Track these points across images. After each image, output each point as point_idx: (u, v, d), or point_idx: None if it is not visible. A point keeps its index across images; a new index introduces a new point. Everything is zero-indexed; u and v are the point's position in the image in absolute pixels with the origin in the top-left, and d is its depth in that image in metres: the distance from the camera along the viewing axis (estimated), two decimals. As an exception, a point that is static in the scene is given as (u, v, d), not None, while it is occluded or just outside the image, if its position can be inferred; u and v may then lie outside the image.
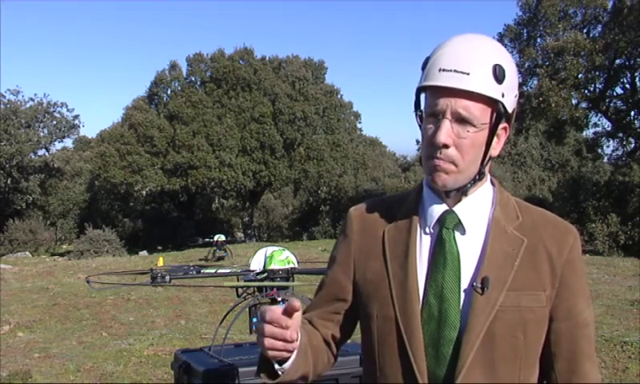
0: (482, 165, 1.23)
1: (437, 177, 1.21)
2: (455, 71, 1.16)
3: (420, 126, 1.25)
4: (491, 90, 1.17)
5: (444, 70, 1.17)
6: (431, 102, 1.20)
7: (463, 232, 1.25)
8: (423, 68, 1.23)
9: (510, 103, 1.21)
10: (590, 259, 14.73)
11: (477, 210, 1.26)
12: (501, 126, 1.23)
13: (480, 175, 1.24)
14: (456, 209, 1.26)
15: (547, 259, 1.23)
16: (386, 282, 1.26)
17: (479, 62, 1.17)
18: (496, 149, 1.25)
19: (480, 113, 1.18)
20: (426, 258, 1.26)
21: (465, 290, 1.21)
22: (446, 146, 1.18)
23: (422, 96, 1.25)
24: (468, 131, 1.18)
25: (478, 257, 1.23)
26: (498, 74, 1.17)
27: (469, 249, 1.24)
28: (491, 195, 1.29)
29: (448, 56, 1.18)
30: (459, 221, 1.25)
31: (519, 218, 1.26)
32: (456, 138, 1.18)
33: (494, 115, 1.20)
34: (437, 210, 1.27)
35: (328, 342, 1.38)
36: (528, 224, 1.26)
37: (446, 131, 1.17)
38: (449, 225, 1.25)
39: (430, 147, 1.20)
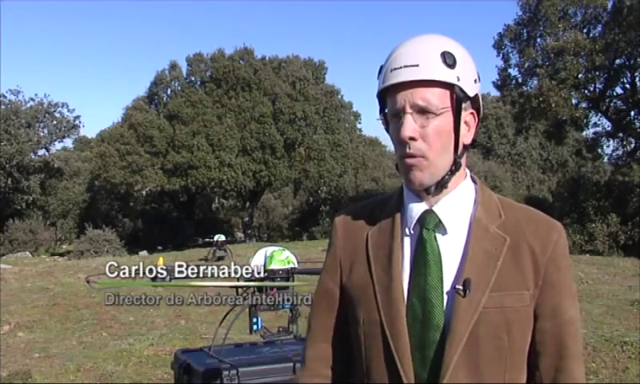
0: (456, 154, 1.24)
1: (412, 176, 1.22)
2: (405, 66, 1.19)
3: (387, 131, 1.27)
4: (443, 74, 1.19)
5: (394, 69, 1.20)
6: (391, 103, 1.23)
7: (444, 232, 1.25)
8: (379, 76, 1.26)
9: (469, 87, 1.22)
10: (590, 259, 14.74)
11: (458, 210, 1.26)
12: (467, 111, 1.24)
13: (456, 165, 1.24)
14: (436, 208, 1.25)
15: (530, 257, 1.22)
16: (371, 286, 1.26)
17: (426, 53, 1.20)
18: (467, 136, 1.26)
19: (438, 99, 1.19)
20: (408, 260, 1.25)
21: (447, 292, 1.21)
22: (412, 139, 1.19)
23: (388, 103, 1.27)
24: (430, 119, 1.19)
25: (460, 257, 1.23)
26: (448, 60, 1.19)
27: (450, 249, 1.24)
28: (473, 194, 1.29)
29: (397, 56, 1.22)
30: (439, 221, 1.25)
31: (502, 217, 1.25)
32: (421, 130, 1.19)
33: (454, 100, 1.21)
34: (416, 210, 1.26)
35: (335, 361, 1.37)
36: (511, 222, 1.25)
37: (409, 124, 1.19)
38: (429, 225, 1.25)
39: (400, 145, 1.21)
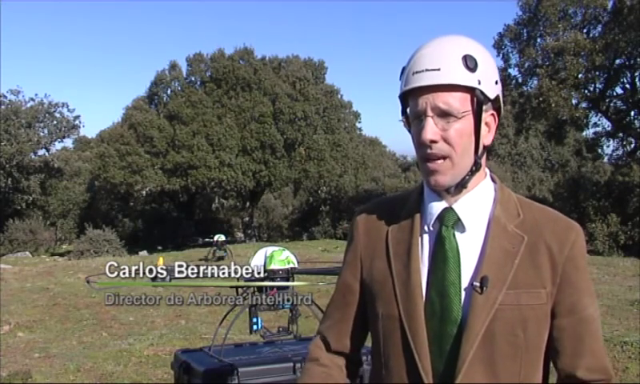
0: (477, 155, 1.25)
1: (433, 179, 1.24)
2: (426, 70, 1.21)
3: (410, 132, 1.29)
4: (464, 78, 1.20)
5: (416, 72, 1.22)
6: (413, 105, 1.24)
7: (463, 230, 1.27)
8: (401, 77, 1.27)
9: (490, 89, 1.24)
10: (590, 259, 14.74)
11: (477, 208, 1.28)
12: (488, 113, 1.26)
13: (476, 166, 1.26)
14: (455, 206, 1.27)
15: (548, 256, 1.24)
16: (390, 282, 1.28)
17: (448, 57, 1.21)
18: (487, 137, 1.27)
19: (459, 103, 1.21)
20: (427, 257, 1.28)
21: (465, 288, 1.23)
22: (433, 142, 1.21)
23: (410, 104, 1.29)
24: (451, 122, 1.21)
25: (478, 255, 1.25)
26: (469, 63, 1.20)
27: (469, 247, 1.26)
28: (492, 193, 1.31)
29: (419, 59, 1.23)
30: (458, 218, 1.27)
31: (520, 216, 1.27)
32: (442, 133, 1.21)
33: (475, 102, 1.22)
34: (436, 207, 1.29)
35: (346, 355, 1.41)
36: (529, 221, 1.27)
37: (430, 128, 1.21)
38: (448, 223, 1.27)
39: (421, 147, 1.23)
